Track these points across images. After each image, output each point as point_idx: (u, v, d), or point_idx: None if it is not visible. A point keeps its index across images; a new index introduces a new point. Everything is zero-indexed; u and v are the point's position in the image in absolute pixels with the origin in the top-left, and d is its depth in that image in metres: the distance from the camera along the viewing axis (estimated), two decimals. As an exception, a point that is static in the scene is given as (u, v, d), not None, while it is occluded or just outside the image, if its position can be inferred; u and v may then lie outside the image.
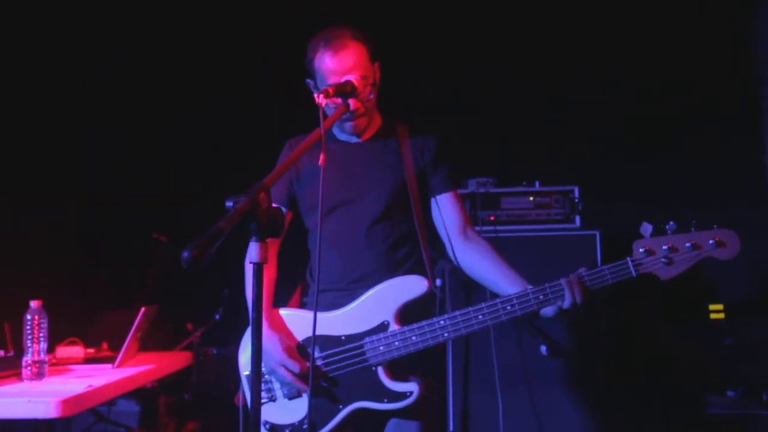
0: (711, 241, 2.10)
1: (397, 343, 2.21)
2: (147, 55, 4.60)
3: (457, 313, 2.19)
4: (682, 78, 4.24)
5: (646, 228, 2.14)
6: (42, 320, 2.53)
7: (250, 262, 1.57)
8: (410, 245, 2.36)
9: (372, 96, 2.31)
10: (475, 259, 2.36)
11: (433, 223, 2.43)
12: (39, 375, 2.52)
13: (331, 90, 2.09)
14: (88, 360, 3.03)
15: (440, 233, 2.42)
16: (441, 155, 2.41)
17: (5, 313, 2.88)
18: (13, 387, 2.44)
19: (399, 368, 2.25)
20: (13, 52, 4.24)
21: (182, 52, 4.59)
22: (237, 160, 4.45)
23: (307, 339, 2.30)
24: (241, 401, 2.30)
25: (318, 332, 2.14)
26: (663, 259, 2.12)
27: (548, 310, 2.18)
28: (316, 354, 2.26)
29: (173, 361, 3.45)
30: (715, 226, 2.12)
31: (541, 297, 2.16)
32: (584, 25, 4.35)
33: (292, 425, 2.28)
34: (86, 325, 3.42)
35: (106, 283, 4.21)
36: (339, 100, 2.17)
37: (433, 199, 2.41)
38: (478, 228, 3.63)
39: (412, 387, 2.21)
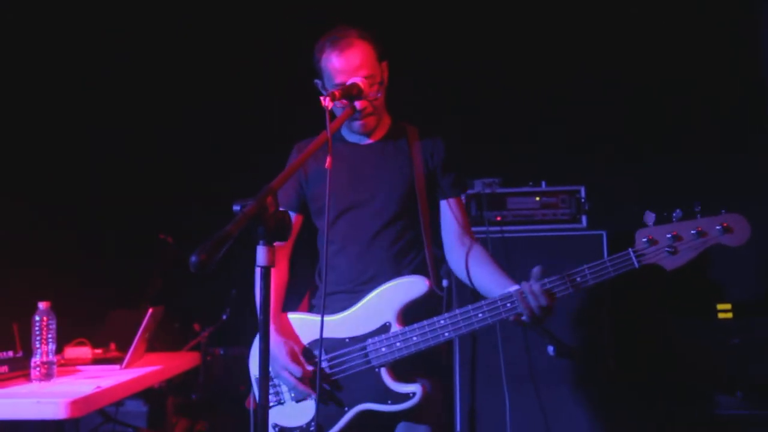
0: (718, 227, 1.99)
1: (398, 344, 2.21)
2: (147, 55, 4.59)
3: (457, 311, 2.18)
4: (681, 78, 4.23)
5: (650, 216, 2.05)
6: (50, 321, 2.54)
7: (257, 266, 1.58)
8: (418, 246, 2.36)
9: (380, 95, 2.31)
10: (470, 266, 2.35)
11: (439, 224, 2.44)
12: (48, 376, 2.54)
13: (337, 93, 2.10)
14: (96, 361, 3.04)
15: (442, 235, 2.43)
16: (450, 159, 2.41)
17: (14, 314, 2.89)
18: (22, 388, 2.45)
19: (403, 369, 2.25)
20: (13, 52, 4.24)
21: (182, 52, 4.59)
22: (237, 160, 4.46)
23: (313, 342, 2.31)
24: (252, 405, 2.31)
25: (324, 335, 2.14)
26: (667, 249, 2.01)
27: None
28: (322, 357, 2.27)
29: (181, 361, 3.46)
30: (722, 210, 2.02)
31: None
32: (590, 25, 4.34)
33: (300, 428, 2.29)
34: (94, 325, 3.42)
35: (113, 284, 4.22)
36: (346, 102, 2.17)
37: (441, 201, 2.42)
38: (484, 228, 3.66)
39: (415, 388, 2.21)
